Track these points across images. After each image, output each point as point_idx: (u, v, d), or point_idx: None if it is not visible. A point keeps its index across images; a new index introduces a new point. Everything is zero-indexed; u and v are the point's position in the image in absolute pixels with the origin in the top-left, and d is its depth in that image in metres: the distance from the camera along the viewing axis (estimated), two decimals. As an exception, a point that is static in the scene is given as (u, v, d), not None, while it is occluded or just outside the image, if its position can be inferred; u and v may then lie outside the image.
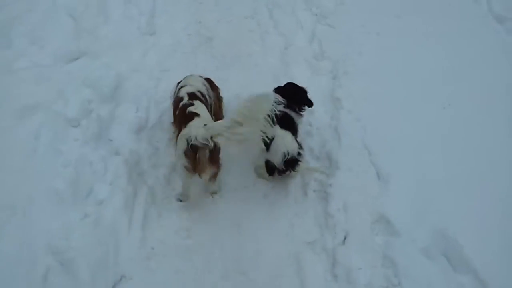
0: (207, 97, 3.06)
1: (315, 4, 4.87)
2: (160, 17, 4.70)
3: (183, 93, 3.00)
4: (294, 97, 3.17)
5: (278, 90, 3.18)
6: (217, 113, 3.27)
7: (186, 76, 3.32)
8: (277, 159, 2.93)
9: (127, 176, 3.17)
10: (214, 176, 2.94)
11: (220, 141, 2.62)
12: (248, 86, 3.73)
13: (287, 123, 3.05)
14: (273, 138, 2.89)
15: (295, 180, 3.22)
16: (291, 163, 2.95)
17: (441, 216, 2.87)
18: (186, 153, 2.65)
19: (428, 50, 4.25)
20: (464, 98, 3.74)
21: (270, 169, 3.10)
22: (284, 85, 3.29)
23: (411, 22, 4.55)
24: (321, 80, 4.02)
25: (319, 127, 3.61)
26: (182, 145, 2.64)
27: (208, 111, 2.91)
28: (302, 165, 3.00)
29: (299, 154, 2.97)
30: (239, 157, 3.32)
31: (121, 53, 4.17)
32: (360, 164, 3.28)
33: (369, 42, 4.35)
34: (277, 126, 2.92)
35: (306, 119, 3.55)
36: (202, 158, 2.63)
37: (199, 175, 2.72)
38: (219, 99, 3.42)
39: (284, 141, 2.94)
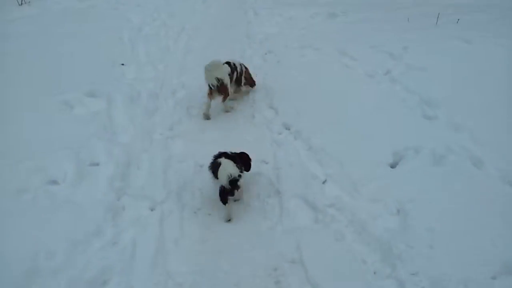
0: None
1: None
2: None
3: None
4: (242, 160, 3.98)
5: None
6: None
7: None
8: (224, 181, 3.65)
9: None
10: (223, 100, 5.22)
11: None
12: None
13: (231, 157, 3.83)
14: (219, 165, 3.71)
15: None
16: (234, 182, 3.66)
17: None
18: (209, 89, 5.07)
19: None
20: None
21: (222, 194, 3.73)
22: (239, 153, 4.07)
23: None
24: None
25: None
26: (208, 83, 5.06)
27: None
28: (241, 182, 3.72)
29: (239, 175, 3.69)
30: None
31: None
32: None
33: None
34: (223, 158, 3.79)
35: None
36: (213, 90, 5.04)
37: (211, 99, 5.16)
38: None
39: (226, 167, 3.68)
